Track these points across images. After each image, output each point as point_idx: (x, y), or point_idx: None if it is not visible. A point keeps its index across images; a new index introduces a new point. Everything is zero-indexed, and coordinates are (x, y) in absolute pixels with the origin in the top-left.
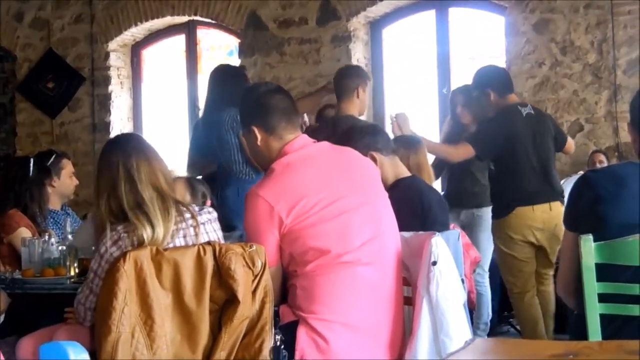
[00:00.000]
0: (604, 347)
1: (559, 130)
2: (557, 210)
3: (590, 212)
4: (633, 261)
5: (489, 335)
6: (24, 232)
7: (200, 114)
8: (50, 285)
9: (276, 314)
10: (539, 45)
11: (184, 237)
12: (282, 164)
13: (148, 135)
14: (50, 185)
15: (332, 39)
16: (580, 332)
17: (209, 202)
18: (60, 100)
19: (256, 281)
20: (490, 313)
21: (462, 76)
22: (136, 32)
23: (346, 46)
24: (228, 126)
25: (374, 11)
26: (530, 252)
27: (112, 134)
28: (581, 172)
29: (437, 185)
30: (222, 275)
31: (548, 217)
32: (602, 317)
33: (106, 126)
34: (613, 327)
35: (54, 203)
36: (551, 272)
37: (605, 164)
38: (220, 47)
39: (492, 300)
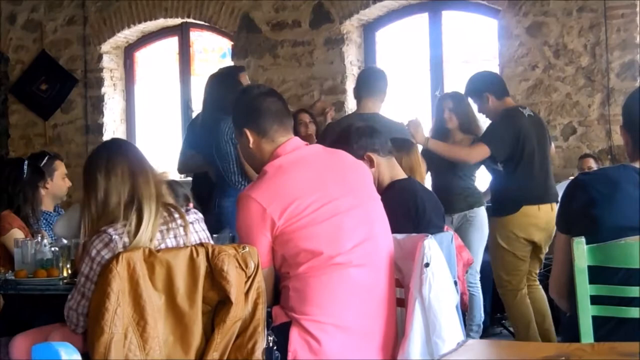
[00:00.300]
0: (596, 349)
1: (549, 133)
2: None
3: (582, 214)
4: (625, 263)
5: (481, 336)
6: (17, 234)
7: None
8: (43, 286)
9: (269, 315)
10: (532, 48)
11: (175, 237)
12: (275, 166)
13: (141, 137)
14: (43, 187)
15: (325, 41)
16: (572, 334)
17: (191, 205)
18: (53, 102)
19: (249, 282)
20: (483, 315)
21: (455, 79)
22: (129, 34)
23: (339, 49)
24: (227, 137)
25: (367, 14)
26: (528, 251)
27: (105, 136)
28: (571, 177)
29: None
30: (215, 276)
31: (550, 217)
32: (595, 319)
33: (99, 128)
34: (605, 329)
35: (47, 204)
36: (538, 270)
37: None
38: (213, 50)
39: (484, 301)
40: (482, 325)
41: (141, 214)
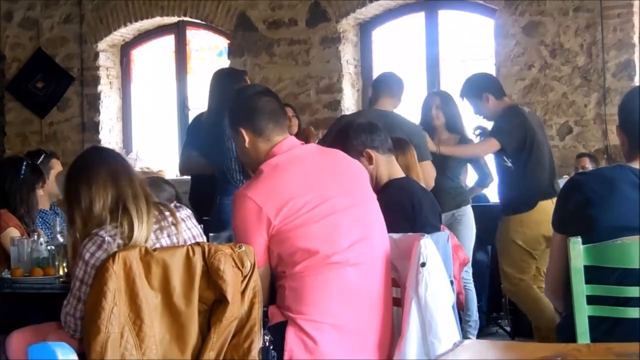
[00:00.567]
0: (592, 349)
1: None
2: None
3: (578, 214)
4: (621, 263)
5: (477, 336)
6: (13, 232)
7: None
8: (39, 285)
9: (265, 315)
10: (529, 47)
11: (168, 236)
12: (271, 165)
13: (137, 135)
14: (40, 188)
15: (322, 40)
16: (568, 335)
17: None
18: (50, 100)
19: (245, 282)
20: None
21: (452, 78)
22: (125, 32)
23: (335, 47)
24: (229, 135)
25: (364, 13)
26: (542, 249)
27: (102, 134)
28: (566, 176)
29: None
30: (211, 275)
31: None
32: (591, 319)
33: (95, 126)
34: (601, 330)
35: (43, 203)
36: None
37: (590, 169)
38: (209, 48)
39: (480, 301)
40: (478, 321)
41: (130, 216)
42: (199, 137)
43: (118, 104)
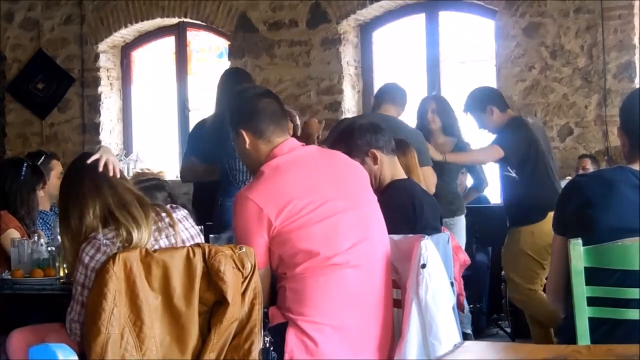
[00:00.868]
0: (593, 351)
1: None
2: None
3: (579, 216)
4: (622, 265)
5: (477, 338)
6: (13, 233)
7: (191, 114)
8: (39, 286)
9: (265, 316)
10: (529, 49)
11: (166, 237)
12: (271, 166)
13: (137, 136)
14: (41, 189)
15: (322, 41)
16: (569, 336)
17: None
18: (50, 101)
19: (246, 283)
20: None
21: (452, 80)
22: (126, 33)
23: (336, 49)
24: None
25: (364, 14)
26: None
27: (102, 135)
28: (568, 178)
29: None
30: (212, 277)
31: None
32: (591, 320)
33: (96, 127)
34: (602, 331)
35: (44, 204)
36: None
37: (591, 170)
38: (210, 49)
39: (481, 303)
40: (470, 316)
41: (123, 223)
42: (202, 142)
43: (118, 105)
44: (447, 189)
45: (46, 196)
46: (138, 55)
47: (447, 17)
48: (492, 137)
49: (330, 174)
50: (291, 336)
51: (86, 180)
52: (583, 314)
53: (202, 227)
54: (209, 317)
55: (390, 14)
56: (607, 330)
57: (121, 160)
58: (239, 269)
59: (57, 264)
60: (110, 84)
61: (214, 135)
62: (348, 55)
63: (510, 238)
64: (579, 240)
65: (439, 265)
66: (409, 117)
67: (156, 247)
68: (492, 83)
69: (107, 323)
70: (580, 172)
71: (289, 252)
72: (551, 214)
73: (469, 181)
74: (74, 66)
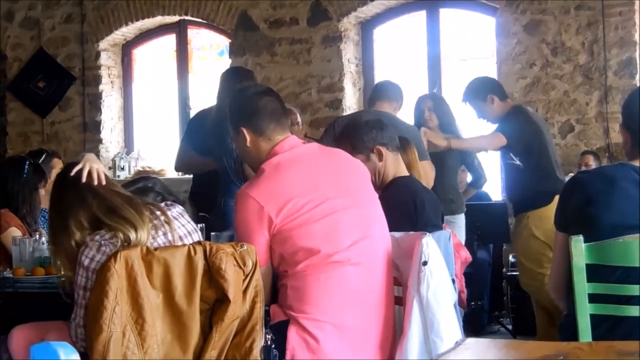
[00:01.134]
0: (594, 347)
1: None
2: None
3: (580, 212)
4: (623, 262)
5: (478, 334)
6: (15, 232)
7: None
8: (41, 284)
9: (267, 314)
10: (530, 46)
11: (164, 234)
12: (272, 164)
13: (138, 134)
14: (42, 187)
15: (323, 39)
16: (570, 333)
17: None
18: (51, 100)
19: (247, 281)
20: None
21: (453, 77)
22: (127, 31)
23: (337, 46)
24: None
25: (365, 11)
26: None
27: (103, 133)
28: (571, 174)
29: None
30: (213, 274)
31: None
32: (593, 317)
33: (97, 125)
34: (603, 328)
35: (45, 202)
36: None
37: (594, 166)
38: (211, 47)
39: (482, 299)
40: (464, 311)
41: (131, 216)
42: (202, 134)
43: (119, 104)
44: (447, 186)
45: (47, 195)
46: (139, 54)
47: (447, 15)
48: (489, 131)
49: (331, 172)
50: (292, 334)
51: (69, 193)
52: (584, 311)
53: (203, 225)
54: (211, 315)
55: (391, 11)
56: (608, 327)
57: (122, 158)
58: (240, 267)
59: (58, 262)
60: (111, 82)
61: (214, 132)
62: (349, 52)
63: (518, 224)
64: (581, 237)
65: (440, 262)
66: (406, 115)
67: (154, 244)
68: None
69: (109, 321)
70: (583, 168)
71: (289, 250)
72: (557, 198)
73: (468, 178)
74: (75, 65)
